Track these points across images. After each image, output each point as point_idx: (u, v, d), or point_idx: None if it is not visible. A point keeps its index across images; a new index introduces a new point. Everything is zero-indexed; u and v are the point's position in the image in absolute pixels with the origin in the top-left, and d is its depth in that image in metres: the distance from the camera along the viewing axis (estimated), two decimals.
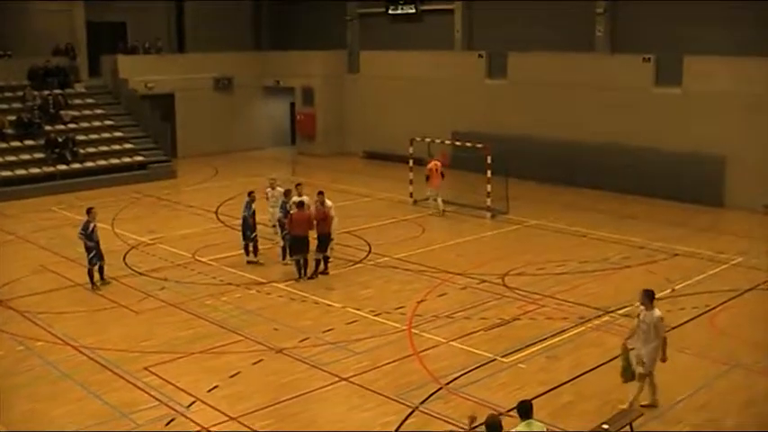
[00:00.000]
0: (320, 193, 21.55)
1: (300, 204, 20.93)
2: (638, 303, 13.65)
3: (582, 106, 32.08)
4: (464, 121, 35.31)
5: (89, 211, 20.38)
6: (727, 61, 28.33)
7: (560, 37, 33.74)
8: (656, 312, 13.15)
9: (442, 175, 27.74)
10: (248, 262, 21.73)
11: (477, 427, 10.00)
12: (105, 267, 20.42)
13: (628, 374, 13.34)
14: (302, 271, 20.67)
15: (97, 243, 20.16)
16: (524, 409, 10.12)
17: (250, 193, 21.94)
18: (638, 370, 13.17)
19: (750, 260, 21.96)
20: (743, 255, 22.42)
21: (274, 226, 22.91)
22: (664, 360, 13.26)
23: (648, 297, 13.31)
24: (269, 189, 23.29)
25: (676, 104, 29.65)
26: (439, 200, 27.83)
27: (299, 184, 22.65)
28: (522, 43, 34.74)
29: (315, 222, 20.77)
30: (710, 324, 17.39)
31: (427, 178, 27.90)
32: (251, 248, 21.88)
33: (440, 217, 27.41)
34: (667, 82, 30.04)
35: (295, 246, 20.81)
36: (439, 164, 27.71)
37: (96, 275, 20.19)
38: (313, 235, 20.92)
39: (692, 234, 24.92)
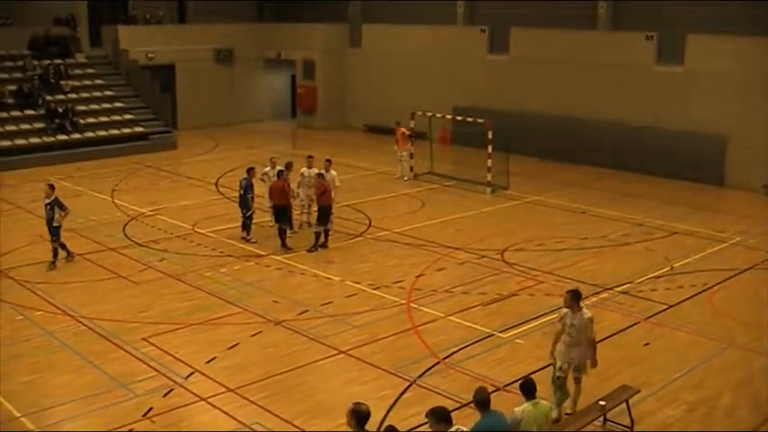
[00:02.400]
0: (327, 161, 21.66)
1: (279, 174, 21.04)
2: (563, 306, 12.43)
3: (584, 83, 32.01)
4: (465, 95, 35.27)
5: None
6: (731, 40, 28.19)
7: (563, 13, 33.55)
8: (586, 314, 12.13)
9: (411, 138, 29.25)
10: (242, 238, 21.47)
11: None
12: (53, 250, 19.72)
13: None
14: (283, 240, 20.96)
15: (47, 221, 19.58)
16: (528, 389, 10.06)
17: (249, 170, 21.69)
18: (573, 374, 12.33)
19: (749, 240, 21.99)
20: (742, 234, 22.46)
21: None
22: (593, 365, 12.38)
23: (575, 299, 12.19)
24: (269, 168, 22.61)
25: (678, 83, 29.58)
26: (405, 164, 29.19)
27: (310, 156, 22.93)
28: (525, 19, 34.59)
29: (316, 195, 20.96)
30: (708, 303, 17.43)
31: (397, 142, 29.28)
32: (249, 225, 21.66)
33: (439, 191, 27.46)
34: (670, 60, 29.96)
35: (275, 215, 21.17)
36: (405, 130, 29.27)
37: (51, 255, 19.75)
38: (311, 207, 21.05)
39: (692, 213, 24.94)
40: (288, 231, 21.65)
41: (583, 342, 12.17)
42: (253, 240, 21.44)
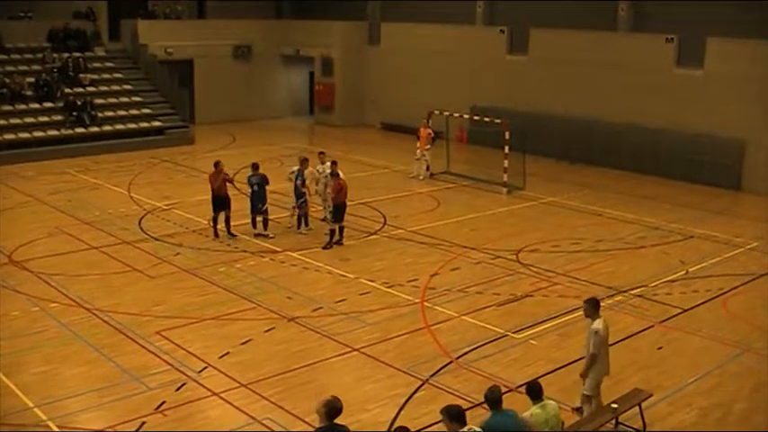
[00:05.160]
0: (333, 162, 21.68)
1: (216, 165, 21.50)
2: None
3: (602, 85, 31.90)
4: (483, 96, 35.21)
5: None
6: (751, 44, 28.03)
7: (583, 14, 33.43)
8: (594, 324, 11.63)
9: (433, 140, 29.09)
10: (255, 235, 21.51)
11: None
12: None
13: None
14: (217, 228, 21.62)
15: None
16: (534, 391, 10.00)
17: (255, 166, 21.81)
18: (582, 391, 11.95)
19: (766, 245, 21.83)
20: (759, 240, 22.31)
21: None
22: (582, 375, 11.93)
23: (592, 306, 11.72)
24: (295, 167, 22.29)
25: (697, 86, 29.41)
26: (422, 162, 28.97)
27: (322, 153, 23.13)
28: (544, 20, 34.51)
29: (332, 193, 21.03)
30: (723, 307, 17.33)
31: (418, 139, 29.11)
32: (259, 220, 21.70)
33: (455, 191, 27.43)
34: (689, 63, 29.81)
35: (213, 205, 21.55)
36: (431, 131, 29.15)
37: None
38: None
39: (709, 217, 24.82)
40: (303, 228, 21.82)
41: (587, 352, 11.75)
42: (271, 236, 21.51)
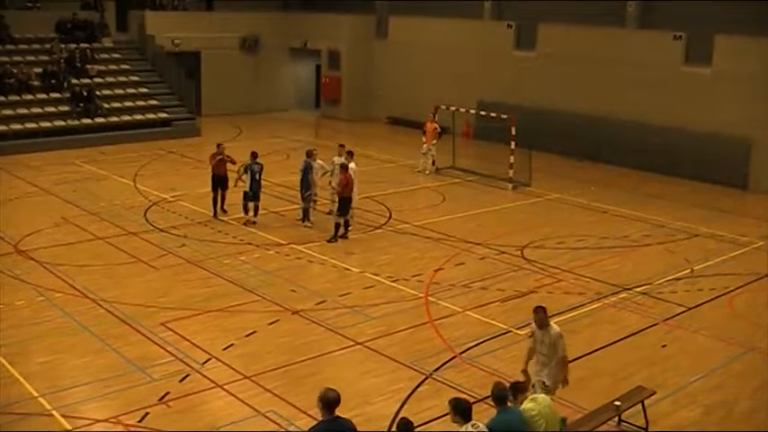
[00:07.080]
0: (349, 153, 21.70)
1: (218, 146, 22.74)
2: (532, 324, 11.98)
3: (610, 82, 31.81)
4: (490, 91, 35.13)
5: None
6: (760, 42, 27.92)
7: (591, 10, 33.32)
8: (555, 329, 11.63)
9: (439, 135, 29.15)
10: (250, 222, 21.92)
11: None
12: None
13: None
14: (217, 207, 22.69)
15: None
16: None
17: (255, 155, 22.18)
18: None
19: None
20: (765, 239, 22.24)
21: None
22: (565, 383, 11.82)
23: (543, 314, 11.76)
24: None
25: (705, 84, 29.32)
26: (428, 157, 29.07)
27: (341, 145, 22.75)
28: (553, 15, 34.45)
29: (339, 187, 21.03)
30: (728, 306, 17.30)
31: (424, 134, 29.05)
32: (251, 207, 22.03)
33: (461, 186, 27.43)
34: (697, 61, 29.71)
35: (212, 184, 22.69)
36: (437, 126, 29.12)
37: None
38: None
39: (715, 215, 24.76)
40: (306, 222, 21.84)
41: (554, 360, 11.62)
42: (252, 221, 21.80)
